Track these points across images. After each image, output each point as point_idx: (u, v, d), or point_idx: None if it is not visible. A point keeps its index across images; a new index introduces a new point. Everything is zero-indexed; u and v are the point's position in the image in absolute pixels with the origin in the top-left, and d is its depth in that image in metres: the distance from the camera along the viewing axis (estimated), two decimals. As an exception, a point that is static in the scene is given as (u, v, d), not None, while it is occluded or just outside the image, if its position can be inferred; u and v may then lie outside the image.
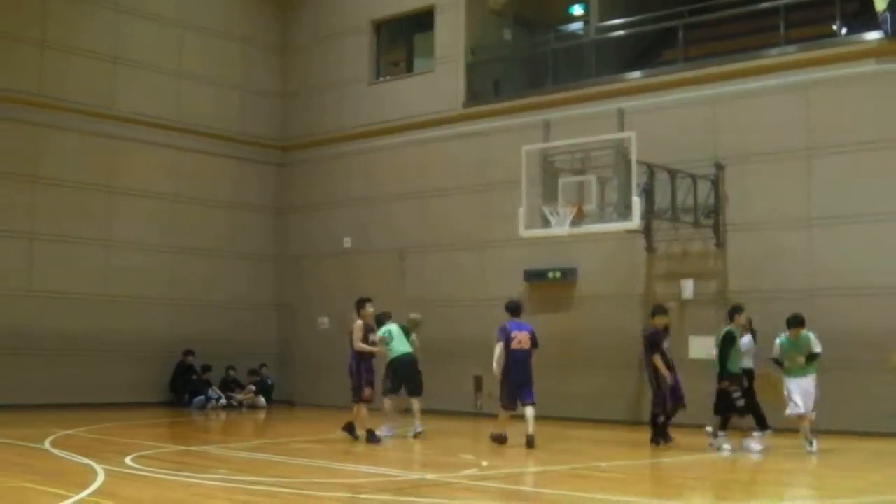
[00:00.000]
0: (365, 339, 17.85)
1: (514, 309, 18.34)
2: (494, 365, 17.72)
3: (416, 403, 19.28)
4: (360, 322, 17.94)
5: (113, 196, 27.44)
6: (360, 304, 18.25)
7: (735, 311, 17.88)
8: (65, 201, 26.43)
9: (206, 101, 29.55)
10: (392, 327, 19.39)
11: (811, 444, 16.55)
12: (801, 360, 16.72)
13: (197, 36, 29.53)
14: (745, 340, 18.86)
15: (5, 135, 25.58)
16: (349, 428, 18.20)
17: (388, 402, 19.34)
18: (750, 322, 19.32)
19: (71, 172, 26.59)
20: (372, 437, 17.81)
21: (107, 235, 27.20)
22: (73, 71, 26.84)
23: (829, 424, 18.25)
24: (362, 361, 18.04)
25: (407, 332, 19.57)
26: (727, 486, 13.57)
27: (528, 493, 12.31)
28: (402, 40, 30.21)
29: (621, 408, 22.95)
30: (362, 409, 17.99)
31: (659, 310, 18.73)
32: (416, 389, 19.34)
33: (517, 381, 17.70)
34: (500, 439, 17.85)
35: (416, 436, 18.77)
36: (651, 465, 15.85)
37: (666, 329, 18.58)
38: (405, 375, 19.17)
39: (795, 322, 17.03)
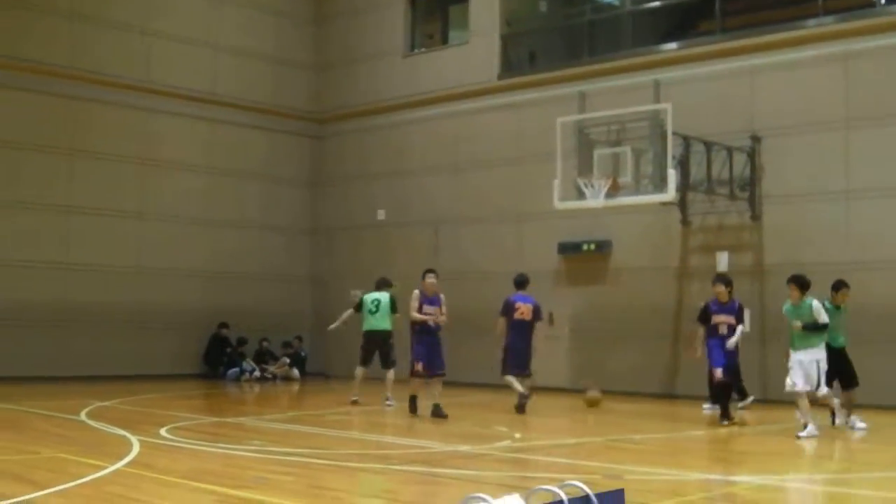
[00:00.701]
0: (419, 310, 17.68)
1: (520, 283, 19.13)
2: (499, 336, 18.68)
3: (388, 375, 19.41)
4: (416, 291, 17.83)
5: (147, 169, 27.53)
6: (423, 274, 18.22)
7: (841, 285, 16.84)
8: (100, 174, 26.54)
9: (241, 73, 29.58)
10: (383, 297, 19.44)
11: (805, 426, 15.01)
12: (798, 324, 15.14)
13: (231, 8, 29.53)
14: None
15: (41, 107, 25.68)
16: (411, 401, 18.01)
17: (359, 371, 19.61)
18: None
19: (106, 145, 26.70)
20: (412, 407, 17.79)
21: (142, 208, 27.32)
22: (106, 43, 26.89)
23: (871, 399, 18.10)
24: (414, 333, 17.96)
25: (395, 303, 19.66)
26: (754, 457, 13.48)
27: (561, 464, 12.27)
28: (436, 11, 30.10)
29: (656, 381, 22.89)
30: (412, 383, 17.87)
31: (716, 279, 17.59)
32: (386, 362, 19.53)
33: (515, 349, 18.58)
34: (521, 403, 18.30)
35: (388, 408, 18.85)
36: (685, 438, 15.79)
37: (721, 299, 17.05)
38: (376, 348, 19.49)
39: (797, 283, 15.53)
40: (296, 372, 27.83)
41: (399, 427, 16.36)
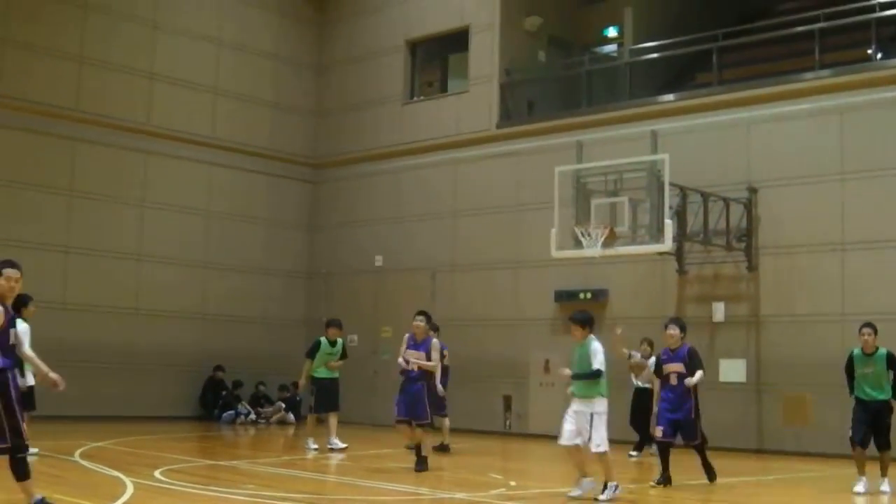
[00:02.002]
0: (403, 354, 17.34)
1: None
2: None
3: (332, 418, 19.39)
4: (406, 335, 17.46)
5: (146, 210, 27.64)
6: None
7: (862, 327, 14.76)
8: (99, 215, 26.66)
9: (241, 117, 29.76)
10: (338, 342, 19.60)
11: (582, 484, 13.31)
12: (566, 372, 13.35)
13: (233, 53, 29.75)
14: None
15: (43, 148, 25.85)
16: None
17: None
18: (651, 344, 19.60)
19: (106, 186, 26.84)
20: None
21: (139, 250, 27.39)
22: (109, 86, 27.09)
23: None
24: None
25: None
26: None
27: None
28: (436, 60, 30.31)
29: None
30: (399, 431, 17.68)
31: (668, 322, 15.82)
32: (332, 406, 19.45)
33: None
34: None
35: (332, 450, 18.91)
36: (683, 488, 15.75)
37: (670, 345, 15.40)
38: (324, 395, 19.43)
39: (576, 321, 13.32)
40: (291, 416, 27.78)
41: (393, 472, 16.34)
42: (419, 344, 16.44)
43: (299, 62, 31.39)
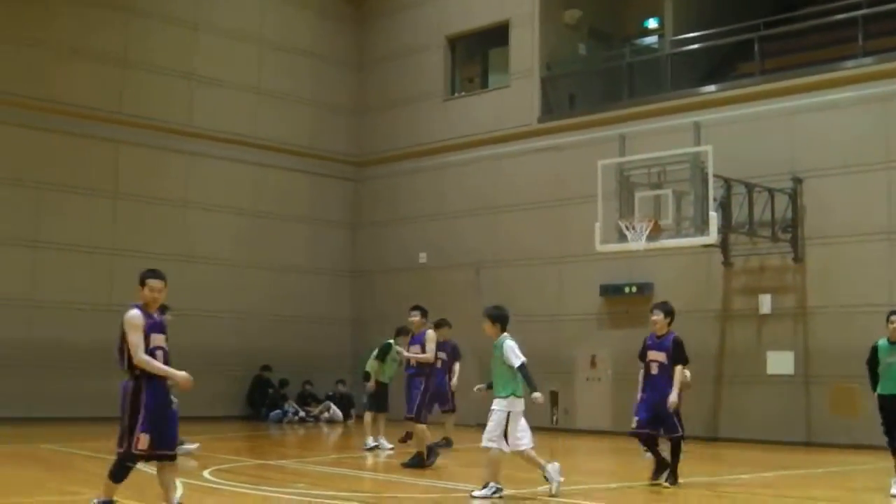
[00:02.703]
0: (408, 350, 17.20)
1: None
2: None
3: (381, 419, 19.30)
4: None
5: (190, 211, 27.83)
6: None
7: (891, 314, 13.59)
8: (144, 216, 26.87)
9: (283, 117, 29.88)
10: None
11: (485, 486, 12.53)
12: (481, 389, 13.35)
13: (274, 53, 29.88)
14: None
15: (87, 151, 26.12)
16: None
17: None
18: None
19: (150, 188, 27.07)
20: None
21: (184, 251, 27.52)
22: (152, 88, 27.31)
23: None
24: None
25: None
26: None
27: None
28: (476, 55, 30.28)
29: (698, 423, 22.69)
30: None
31: (653, 307, 14.72)
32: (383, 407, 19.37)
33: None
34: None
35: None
36: (731, 482, 15.68)
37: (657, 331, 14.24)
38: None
39: (490, 316, 12.87)
40: (339, 414, 27.82)
41: (438, 470, 16.34)
42: (415, 337, 16.67)
43: (339, 60, 31.46)
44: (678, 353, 13.85)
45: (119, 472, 9.87)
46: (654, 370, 13.90)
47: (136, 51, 27.17)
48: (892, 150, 21.09)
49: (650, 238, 20.39)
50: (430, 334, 16.61)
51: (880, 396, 13.39)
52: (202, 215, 28.03)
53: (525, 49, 27.42)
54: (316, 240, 30.30)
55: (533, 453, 12.72)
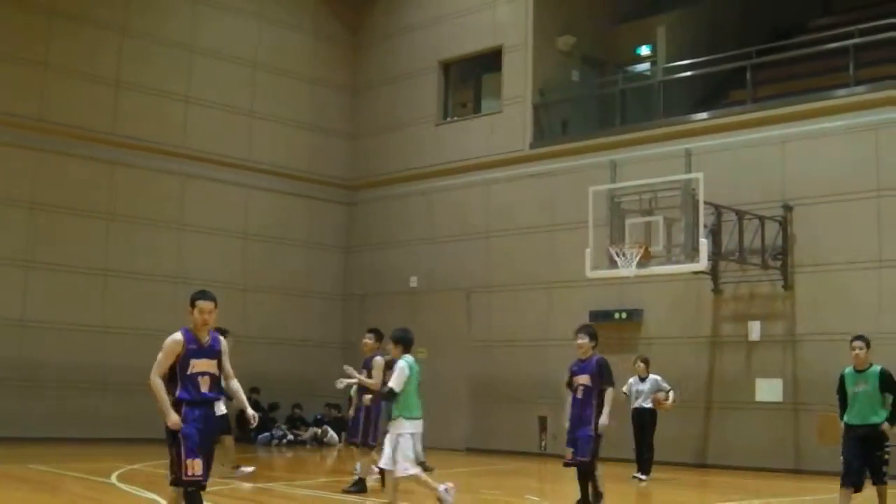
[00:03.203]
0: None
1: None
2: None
3: None
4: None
5: (185, 233, 27.87)
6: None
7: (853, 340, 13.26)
8: (138, 238, 26.90)
9: (277, 140, 29.96)
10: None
11: None
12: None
13: (268, 76, 29.98)
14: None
15: (81, 171, 26.16)
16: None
17: None
18: (647, 362, 19.67)
19: (144, 209, 27.10)
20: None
21: (178, 272, 27.55)
22: (146, 110, 27.38)
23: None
24: None
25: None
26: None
27: (591, 535, 12.23)
28: (470, 80, 30.38)
29: (689, 450, 22.75)
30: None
31: (577, 330, 14.31)
32: None
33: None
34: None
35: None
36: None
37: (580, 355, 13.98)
38: None
39: (393, 339, 12.99)
40: (335, 436, 27.74)
41: (430, 496, 16.31)
42: (365, 361, 15.95)
43: (334, 84, 31.56)
44: (603, 375, 13.50)
45: (188, 499, 9.40)
46: (580, 394, 13.63)
47: (130, 72, 27.24)
48: (882, 179, 21.16)
49: (640, 264, 20.45)
50: (377, 360, 15.89)
51: (846, 426, 12.88)
52: (196, 237, 28.06)
53: (518, 75, 27.53)
54: (308, 263, 30.33)
55: (423, 476, 12.90)
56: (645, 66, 29.49)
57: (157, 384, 9.55)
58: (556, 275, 25.51)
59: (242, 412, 9.98)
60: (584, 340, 13.77)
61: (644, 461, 19.24)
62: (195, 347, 9.63)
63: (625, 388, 19.47)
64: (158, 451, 21.61)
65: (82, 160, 26.17)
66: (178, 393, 9.49)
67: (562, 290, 25.46)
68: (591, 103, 27.90)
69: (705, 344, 23.05)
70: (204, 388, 9.51)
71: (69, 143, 25.89)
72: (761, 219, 21.94)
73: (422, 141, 29.62)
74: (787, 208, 22.11)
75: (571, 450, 13.54)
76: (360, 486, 15.58)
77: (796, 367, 21.63)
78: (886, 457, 12.84)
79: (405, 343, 12.78)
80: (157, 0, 28.10)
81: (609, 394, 13.46)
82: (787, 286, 22.02)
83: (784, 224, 22.08)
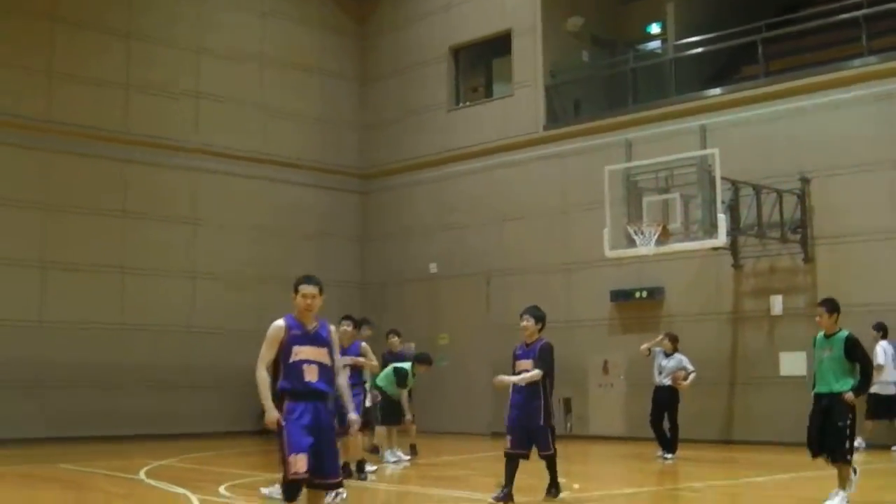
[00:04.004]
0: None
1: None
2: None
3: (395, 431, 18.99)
4: None
5: (199, 228, 27.87)
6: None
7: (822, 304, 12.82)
8: (152, 235, 26.91)
9: (288, 132, 29.93)
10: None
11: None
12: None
13: (277, 69, 29.94)
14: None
15: (93, 171, 26.15)
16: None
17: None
18: (675, 340, 19.55)
19: (158, 206, 27.10)
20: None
21: (193, 268, 27.59)
22: (156, 108, 27.38)
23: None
24: None
25: None
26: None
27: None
28: (480, 65, 30.29)
29: (712, 427, 22.69)
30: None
31: (523, 312, 13.41)
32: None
33: None
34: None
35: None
36: (747, 485, 15.65)
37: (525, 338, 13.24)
38: None
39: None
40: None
41: (454, 479, 16.34)
42: (347, 350, 15.47)
43: (344, 75, 31.51)
44: (542, 360, 12.76)
45: (285, 493, 9.02)
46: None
47: (138, 73, 27.20)
48: (897, 148, 21.04)
49: (659, 242, 20.38)
50: (365, 347, 16.02)
51: (815, 397, 12.32)
52: (210, 232, 28.06)
53: (528, 58, 27.43)
54: (325, 253, 30.28)
55: None
56: (655, 44, 29.38)
57: (261, 377, 9.03)
58: (575, 256, 25.45)
59: (344, 414, 9.48)
60: (528, 323, 12.99)
61: (664, 438, 19.16)
62: (299, 333, 9.15)
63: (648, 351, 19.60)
64: (183, 447, 21.79)
65: (94, 160, 26.15)
66: (279, 383, 9.02)
67: (581, 272, 25.41)
68: (602, 83, 27.80)
69: (727, 320, 22.98)
70: (309, 378, 8.95)
71: (80, 143, 25.88)
72: (779, 192, 21.85)
73: (434, 128, 29.56)
74: (805, 181, 21.98)
75: (510, 438, 12.74)
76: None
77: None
78: (848, 431, 12.00)
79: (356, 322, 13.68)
80: (162, 0, 28.06)
81: (536, 374, 12.68)
82: (808, 259, 21.92)
83: (802, 197, 21.96)
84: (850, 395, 11.96)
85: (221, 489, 14.28)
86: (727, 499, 14.08)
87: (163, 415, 26.12)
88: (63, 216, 25.65)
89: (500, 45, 28.56)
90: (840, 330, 12.25)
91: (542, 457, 12.90)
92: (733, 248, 22.45)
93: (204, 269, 27.80)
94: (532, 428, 12.71)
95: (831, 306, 12.39)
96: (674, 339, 19.54)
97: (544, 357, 12.78)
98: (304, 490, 9.03)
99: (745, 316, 22.76)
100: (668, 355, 19.41)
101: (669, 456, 18.77)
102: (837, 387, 12.00)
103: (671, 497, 14.05)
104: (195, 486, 14.44)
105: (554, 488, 13.04)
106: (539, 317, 13.05)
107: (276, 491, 12.36)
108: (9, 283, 24.80)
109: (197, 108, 28.22)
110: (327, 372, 9.06)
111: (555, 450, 12.92)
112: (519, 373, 12.85)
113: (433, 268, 28.93)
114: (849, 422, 11.98)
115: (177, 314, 27.24)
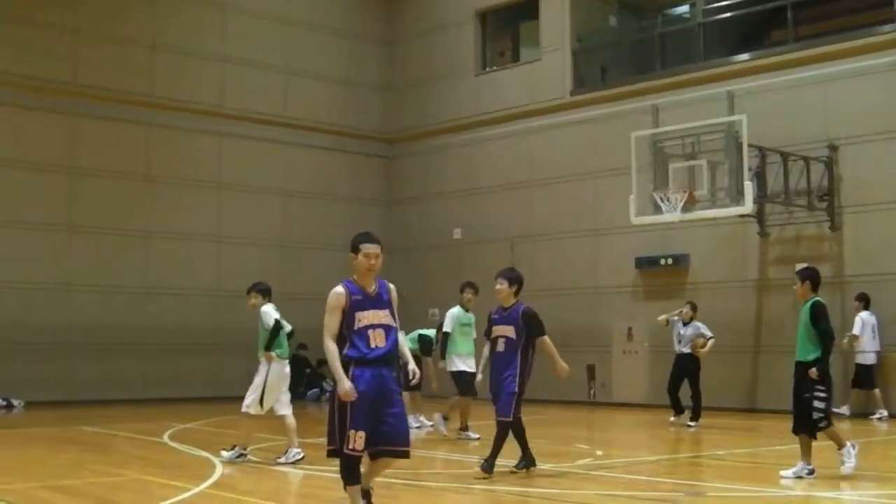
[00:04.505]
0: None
1: None
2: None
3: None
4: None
5: (224, 192, 27.89)
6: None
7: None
8: (177, 199, 26.99)
9: (314, 96, 29.89)
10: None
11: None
12: None
13: (303, 32, 29.85)
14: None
15: (119, 135, 26.22)
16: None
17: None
18: (695, 308, 19.57)
19: (182, 170, 27.17)
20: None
21: (219, 232, 27.67)
22: (182, 70, 27.40)
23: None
24: None
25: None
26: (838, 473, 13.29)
27: (643, 481, 12.19)
28: (507, 29, 30.10)
29: (736, 394, 22.64)
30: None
31: (497, 275, 13.08)
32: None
33: None
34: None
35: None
36: (770, 453, 15.60)
37: (502, 302, 12.84)
38: None
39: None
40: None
41: (476, 446, 16.32)
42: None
43: (369, 38, 31.38)
44: (533, 327, 12.35)
45: (343, 471, 8.74)
46: (501, 346, 12.37)
47: (164, 34, 27.22)
48: (928, 116, 20.83)
49: (685, 209, 20.29)
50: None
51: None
52: (235, 196, 28.09)
53: (556, 22, 27.26)
54: (350, 217, 30.20)
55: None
56: (684, 8, 29.07)
57: (330, 348, 8.61)
58: (600, 222, 25.38)
59: (404, 365, 9.05)
60: (502, 286, 12.57)
61: (679, 405, 19.20)
62: (360, 298, 8.64)
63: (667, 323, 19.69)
64: (207, 410, 21.89)
65: (119, 123, 26.21)
66: (346, 350, 8.57)
67: (606, 238, 25.33)
68: (630, 48, 27.58)
69: (752, 287, 22.88)
70: (376, 343, 8.52)
71: (105, 106, 25.93)
72: (806, 160, 21.68)
73: (460, 92, 29.44)
74: (833, 148, 21.81)
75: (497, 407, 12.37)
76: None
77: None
78: (817, 403, 12.00)
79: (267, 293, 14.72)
80: (189, -41, 28.02)
81: (547, 342, 12.48)
82: (834, 227, 21.77)
83: (829, 164, 21.80)
84: (813, 371, 11.95)
85: (223, 453, 14.05)
86: (750, 467, 14.03)
87: (188, 377, 26.24)
88: (88, 179, 25.72)
89: (527, 8, 28.37)
90: (812, 298, 12.18)
91: (498, 421, 12.29)
92: (759, 215, 22.33)
93: (230, 234, 27.84)
94: (500, 392, 12.26)
95: (803, 275, 12.36)
96: (694, 308, 19.53)
97: (535, 325, 12.38)
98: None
99: (771, 284, 22.64)
100: (686, 324, 19.36)
101: (693, 423, 18.73)
102: (805, 356, 12.05)
103: (694, 464, 14.01)
104: (218, 450, 14.47)
105: (524, 461, 12.54)
106: (514, 278, 12.64)
107: (233, 455, 12.80)
108: (35, 247, 24.91)
109: (223, 71, 28.20)
110: (393, 333, 8.70)
111: (518, 420, 12.31)
112: (496, 339, 12.45)
113: (457, 233, 28.89)
114: (816, 393, 11.99)
115: (203, 278, 27.33)
